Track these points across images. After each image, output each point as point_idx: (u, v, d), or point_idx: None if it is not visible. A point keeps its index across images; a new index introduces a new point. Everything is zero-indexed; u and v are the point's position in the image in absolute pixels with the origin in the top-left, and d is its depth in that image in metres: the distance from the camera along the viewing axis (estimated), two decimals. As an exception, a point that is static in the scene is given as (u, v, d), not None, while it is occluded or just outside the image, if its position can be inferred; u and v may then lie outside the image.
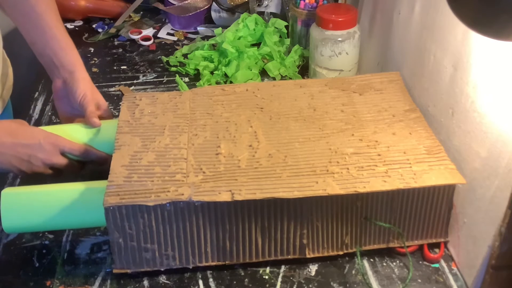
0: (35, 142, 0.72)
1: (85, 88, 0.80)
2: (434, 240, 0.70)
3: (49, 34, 0.81)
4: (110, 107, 0.97)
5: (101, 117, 0.80)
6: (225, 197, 0.63)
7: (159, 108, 0.77)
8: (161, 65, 1.10)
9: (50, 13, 0.81)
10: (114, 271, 0.67)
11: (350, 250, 0.69)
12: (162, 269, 0.68)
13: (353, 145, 0.70)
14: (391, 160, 0.68)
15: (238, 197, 0.63)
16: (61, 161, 0.74)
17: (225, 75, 1.04)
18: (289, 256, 0.68)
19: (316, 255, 0.69)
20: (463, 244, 0.68)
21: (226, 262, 0.68)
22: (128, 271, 0.67)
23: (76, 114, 0.82)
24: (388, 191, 0.65)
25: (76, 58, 0.82)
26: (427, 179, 0.65)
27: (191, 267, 0.68)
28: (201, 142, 0.72)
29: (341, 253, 0.69)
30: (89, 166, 0.79)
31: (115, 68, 1.10)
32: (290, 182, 0.65)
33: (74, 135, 0.77)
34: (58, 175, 0.75)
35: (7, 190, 0.68)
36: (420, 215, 0.68)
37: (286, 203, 0.65)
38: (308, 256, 0.68)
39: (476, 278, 0.64)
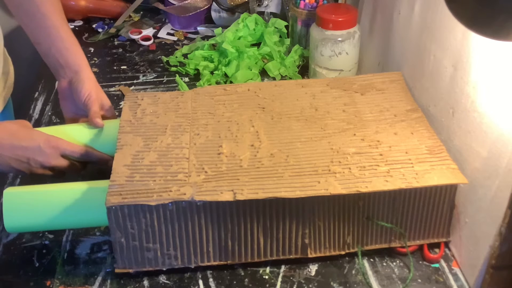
0: (34, 145, 0.72)
1: (90, 88, 0.80)
2: (436, 240, 0.70)
3: (55, 34, 0.81)
4: (110, 107, 0.97)
5: (104, 117, 0.80)
6: (227, 196, 0.63)
7: (161, 107, 0.77)
8: (161, 65, 1.10)
9: (55, 13, 0.81)
10: (116, 270, 0.67)
11: (352, 250, 0.69)
12: (164, 269, 0.68)
13: (355, 145, 0.70)
14: (393, 160, 0.68)
15: (240, 197, 0.63)
16: (62, 163, 0.74)
17: (225, 75, 1.04)
18: (291, 256, 0.68)
19: (318, 254, 0.69)
20: (464, 244, 0.68)
21: (228, 261, 0.68)
22: (130, 270, 0.67)
23: (81, 114, 0.82)
24: (390, 191, 0.65)
25: (81, 58, 0.83)
26: (429, 179, 0.65)
27: (193, 267, 0.68)
28: (203, 141, 0.72)
29: (343, 253, 0.69)
30: (91, 166, 0.79)
31: (115, 68, 1.10)
32: (292, 182, 0.65)
33: (76, 135, 0.77)
34: (59, 176, 0.75)
35: (9, 190, 0.68)
36: (422, 215, 0.68)
37: (288, 203, 0.65)
38: (310, 255, 0.68)
39: (478, 278, 0.64)
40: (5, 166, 0.72)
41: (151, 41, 1.17)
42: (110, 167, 0.68)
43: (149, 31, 1.21)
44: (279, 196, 0.64)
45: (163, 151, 0.70)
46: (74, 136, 0.77)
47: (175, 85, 1.03)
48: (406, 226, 0.68)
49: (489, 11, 0.47)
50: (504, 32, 0.48)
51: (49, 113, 0.97)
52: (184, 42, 1.18)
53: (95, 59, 1.13)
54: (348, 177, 0.65)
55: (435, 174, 0.66)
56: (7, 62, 0.94)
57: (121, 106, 0.97)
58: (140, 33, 1.19)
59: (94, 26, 1.23)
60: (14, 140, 0.72)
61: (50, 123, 0.94)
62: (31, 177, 0.75)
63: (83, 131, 0.78)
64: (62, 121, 0.88)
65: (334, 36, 0.93)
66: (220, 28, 1.13)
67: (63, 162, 0.74)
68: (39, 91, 1.03)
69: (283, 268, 0.69)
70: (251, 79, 1.02)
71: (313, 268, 0.69)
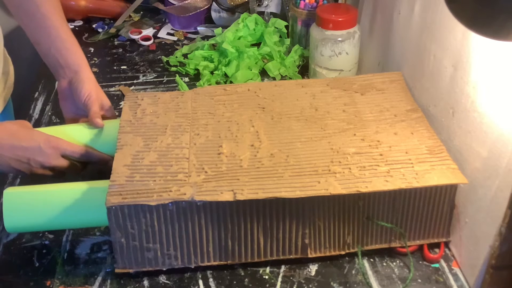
0: (34, 145, 0.72)
1: (90, 88, 0.80)
2: (436, 240, 0.70)
3: (54, 34, 0.81)
4: (110, 107, 0.97)
5: (104, 117, 0.80)
6: (227, 196, 0.63)
7: (161, 107, 0.77)
8: (161, 65, 1.10)
9: (55, 13, 0.81)
10: (116, 270, 0.67)
11: (352, 250, 0.69)
12: (164, 269, 0.68)
13: (355, 145, 0.70)
14: (393, 160, 0.68)
15: (240, 197, 0.63)
16: (62, 163, 0.74)
17: (225, 75, 1.04)
18: (291, 256, 0.68)
19: (318, 254, 0.69)
20: (465, 244, 0.68)
21: (228, 262, 0.68)
22: (130, 270, 0.67)
23: (81, 115, 0.82)
24: (390, 191, 0.65)
25: (81, 58, 0.83)
26: (429, 179, 0.65)
27: (193, 267, 0.68)
28: (203, 141, 0.72)
29: (343, 253, 0.69)
30: (90, 166, 0.79)
31: (115, 68, 1.10)
32: (292, 182, 0.65)
33: (76, 135, 0.77)
34: (60, 176, 0.75)
35: (9, 190, 0.68)
36: (422, 215, 0.68)
37: (288, 203, 0.65)
38: (310, 255, 0.68)
39: (478, 278, 0.64)
40: (5, 167, 0.72)
41: (151, 41, 1.17)
42: (110, 167, 0.68)
43: (149, 31, 1.21)
44: (279, 196, 0.64)
45: (163, 151, 0.70)
46: (74, 136, 0.77)
47: (175, 85, 1.03)
48: (406, 226, 0.68)
49: (489, 11, 0.46)
50: (504, 32, 0.48)
51: (49, 113, 0.97)
52: (184, 42, 1.18)
53: (95, 59, 1.13)
54: (348, 177, 0.65)
55: (435, 174, 0.66)
56: (7, 62, 0.94)
57: (121, 106, 0.97)
58: (140, 33, 1.19)
59: (94, 26, 1.23)
60: (14, 141, 0.72)
61: (50, 123, 0.94)
62: (31, 177, 0.75)
63: (83, 131, 0.78)
64: (62, 121, 0.88)
65: (334, 36, 0.93)
66: (220, 28, 1.13)
67: (63, 162, 0.74)
68: (39, 91, 1.03)
69: (283, 268, 0.69)
70: (251, 79, 1.02)
71: (313, 268, 0.69)
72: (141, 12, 1.28)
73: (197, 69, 1.06)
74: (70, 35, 0.83)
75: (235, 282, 0.67)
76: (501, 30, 0.47)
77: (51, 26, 0.81)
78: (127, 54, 1.14)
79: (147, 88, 1.03)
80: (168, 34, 1.21)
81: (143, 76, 1.07)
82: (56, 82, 0.85)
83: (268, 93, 0.80)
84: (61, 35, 0.81)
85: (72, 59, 0.82)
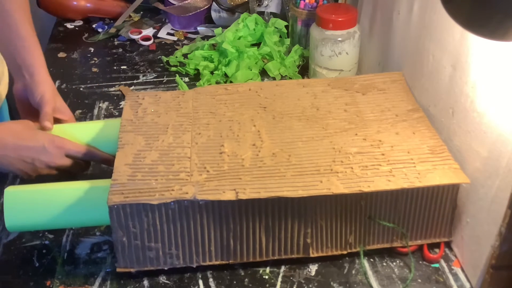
0: (38, 145, 0.71)
1: (44, 89, 0.77)
2: (438, 240, 0.70)
3: (15, 32, 0.78)
4: (110, 107, 0.97)
5: (58, 120, 0.78)
6: (229, 196, 0.63)
7: (162, 107, 0.77)
8: (161, 65, 1.10)
9: (20, 11, 0.79)
10: (118, 270, 0.67)
11: (354, 250, 0.69)
12: (165, 268, 0.68)
13: (356, 145, 0.70)
14: (395, 159, 0.68)
15: (242, 196, 0.63)
16: (66, 163, 0.74)
17: (225, 75, 1.04)
18: (293, 256, 0.68)
19: (320, 254, 0.69)
20: (466, 244, 0.68)
21: (230, 261, 0.68)
22: (132, 270, 0.67)
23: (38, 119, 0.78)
24: (392, 191, 0.65)
25: (39, 60, 0.79)
26: (431, 178, 0.65)
27: (194, 266, 0.68)
28: (204, 141, 0.72)
29: (344, 252, 0.69)
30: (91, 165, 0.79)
31: (115, 68, 1.10)
32: (294, 181, 0.65)
33: (78, 134, 0.77)
34: (63, 175, 0.75)
35: (10, 189, 0.68)
36: (424, 214, 0.68)
37: (290, 202, 0.65)
38: (312, 255, 0.68)
39: (480, 278, 0.64)
40: (9, 167, 0.72)
41: (151, 41, 1.17)
42: (112, 166, 0.68)
43: (149, 31, 1.21)
44: (282, 195, 0.64)
45: (164, 150, 0.70)
46: (76, 135, 0.77)
47: (175, 85, 1.03)
48: (408, 225, 0.68)
49: (485, 12, 0.46)
50: (500, 32, 0.48)
51: (49, 113, 0.97)
52: (184, 42, 1.18)
53: (95, 59, 1.13)
54: (350, 177, 0.65)
55: (437, 174, 0.66)
56: (1, 63, 0.93)
57: (121, 106, 0.97)
58: (140, 33, 1.19)
59: (94, 26, 1.23)
60: (18, 141, 0.71)
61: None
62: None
63: (85, 130, 0.78)
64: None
65: (334, 36, 0.93)
66: (220, 28, 1.13)
67: (67, 162, 0.74)
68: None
69: (283, 268, 0.69)
70: (251, 79, 1.02)
71: (313, 268, 0.69)
72: (141, 12, 1.28)
73: (197, 69, 1.06)
74: (31, 35, 0.80)
75: (235, 282, 0.67)
76: (497, 30, 0.47)
77: (13, 24, 0.78)
78: (127, 54, 1.14)
79: (147, 88, 1.03)
80: (168, 34, 1.21)
81: (143, 76, 1.07)
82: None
83: (269, 93, 0.80)
84: (22, 34, 0.78)
85: (29, 59, 0.78)
